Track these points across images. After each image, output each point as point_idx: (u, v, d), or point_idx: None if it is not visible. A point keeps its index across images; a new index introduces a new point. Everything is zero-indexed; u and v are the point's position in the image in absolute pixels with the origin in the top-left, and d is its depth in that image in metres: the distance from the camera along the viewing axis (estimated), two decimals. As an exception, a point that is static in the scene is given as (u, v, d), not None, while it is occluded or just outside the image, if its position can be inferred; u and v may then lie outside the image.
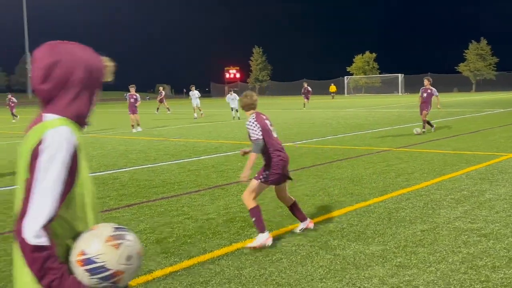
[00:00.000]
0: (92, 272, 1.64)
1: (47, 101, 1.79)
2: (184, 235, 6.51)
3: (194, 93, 33.15)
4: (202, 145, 17.45)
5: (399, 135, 17.84)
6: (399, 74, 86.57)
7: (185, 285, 4.84)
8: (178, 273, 5.19)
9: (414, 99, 28.70)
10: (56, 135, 1.68)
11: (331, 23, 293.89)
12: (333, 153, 13.50)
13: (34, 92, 1.84)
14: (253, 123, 6.03)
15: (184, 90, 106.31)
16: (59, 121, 1.75)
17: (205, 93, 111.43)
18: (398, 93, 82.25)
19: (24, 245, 1.60)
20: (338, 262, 5.24)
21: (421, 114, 18.93)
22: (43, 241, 1.59)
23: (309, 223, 6.46)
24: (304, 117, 31.14)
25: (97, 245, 1.67)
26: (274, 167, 5.99)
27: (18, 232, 1.62)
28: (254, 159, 5.99)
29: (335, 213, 7.34)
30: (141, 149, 16.69)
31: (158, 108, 43.14)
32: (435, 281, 4.65)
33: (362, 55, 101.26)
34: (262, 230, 5.82)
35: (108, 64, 1.94)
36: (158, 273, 5.19)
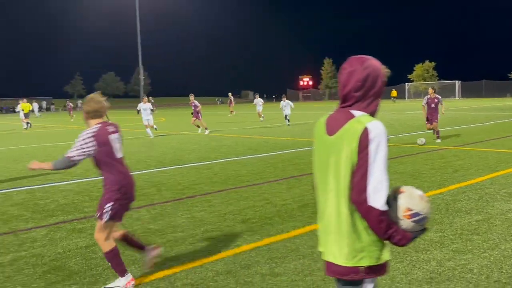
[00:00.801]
0: (417, 222, 1.90)
1: (353, 102, 1.99)
2: (265, 217, 6.45)
3: (258, 101, 32.56)
4: (280, 142, 17.34)
5: (455, 135, 16.75)
6: (456, 81, 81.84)
7: (266, 259, 4.77)
8: (260, 248, 5.14)
9: (470, 103, 26.99)
10: (378, 126, 1.87)
11: (392, 34, 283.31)
12: (396, 150, 12.91)
13: (346, 96, 2.02)
14: (86, 138, 3.86)
15: (274, 96, 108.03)
16: (368, 117, 1.95)
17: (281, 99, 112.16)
18: (455, 97, 77.89)
19: (372, 211, 1.79)
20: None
21: (431, 124, 14.99)
22: (386, 207, 1.81)
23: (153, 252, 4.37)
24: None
25: (419, 202, 1.91)
26: (114, 197, 3.97)
27: (360, 201, 1.82)
28: (49, 168, 3.97)
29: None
30: (230, 145, 16.83)
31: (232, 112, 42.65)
32: (488, 266, 4.28)
33: (422, 64, 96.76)
34: (122, 274, 4.09)
35: (386, 71, 2.08)
36: (244, 247, 5.18)
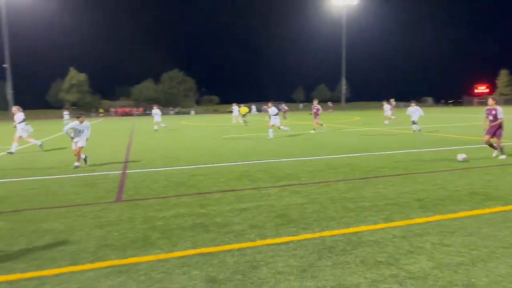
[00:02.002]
0: None
1: None
2: (437, 199, 6.02)
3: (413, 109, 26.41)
4: (451, 139, 15.35)
5: None
6: None
7: (436, 232, 4.54)
8: (431, 222, 4.89)
9: None
10: None
11: None
12: None
13: None
14: None
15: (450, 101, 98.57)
16: None
17: (457, 104, 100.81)
18: None
19: None
20: None
21: (492, 137, 9.89)
22: None
23: None
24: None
25: None
26: None
27: None
28: None
29: None
30: (407, 140, 15.71)
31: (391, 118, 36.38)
32: None
33: None
34: None
35: None
36: (417, 220, 5.01)
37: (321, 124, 21.92)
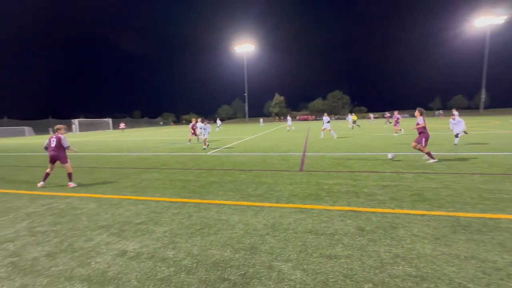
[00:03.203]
0: None
1: None
2: None
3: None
4: None
5: None
6: None
7: None
8: None
9: None
10: None
11: None
12: None
13: None
14: None
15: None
16: None
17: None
18: None
19: None
20: None
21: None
22: None
23: None
24: None
25: None
26: None
27: None
28: None
29: None
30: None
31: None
32: None
33: None
34: None
35: None
36: None
37: (400, 129, 19.86)
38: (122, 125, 43.60)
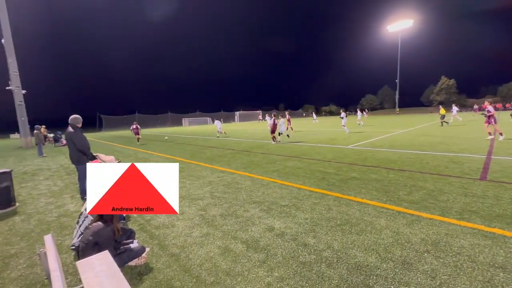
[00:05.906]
0: None
1: None
2: None
3: None
4: None
5: None
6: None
7: None
8: None
9: None
10: None
11: None
12: None
13: None
14: None
15: None
16: None
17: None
18: None
19: None
20: None
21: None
22: None
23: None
24: None
25: None
26: None
27: None
28: None
29: None
30: None
31: None
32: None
33: None
34: None
35: None
36: None
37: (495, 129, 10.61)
38: (260, 117, 56.40)
